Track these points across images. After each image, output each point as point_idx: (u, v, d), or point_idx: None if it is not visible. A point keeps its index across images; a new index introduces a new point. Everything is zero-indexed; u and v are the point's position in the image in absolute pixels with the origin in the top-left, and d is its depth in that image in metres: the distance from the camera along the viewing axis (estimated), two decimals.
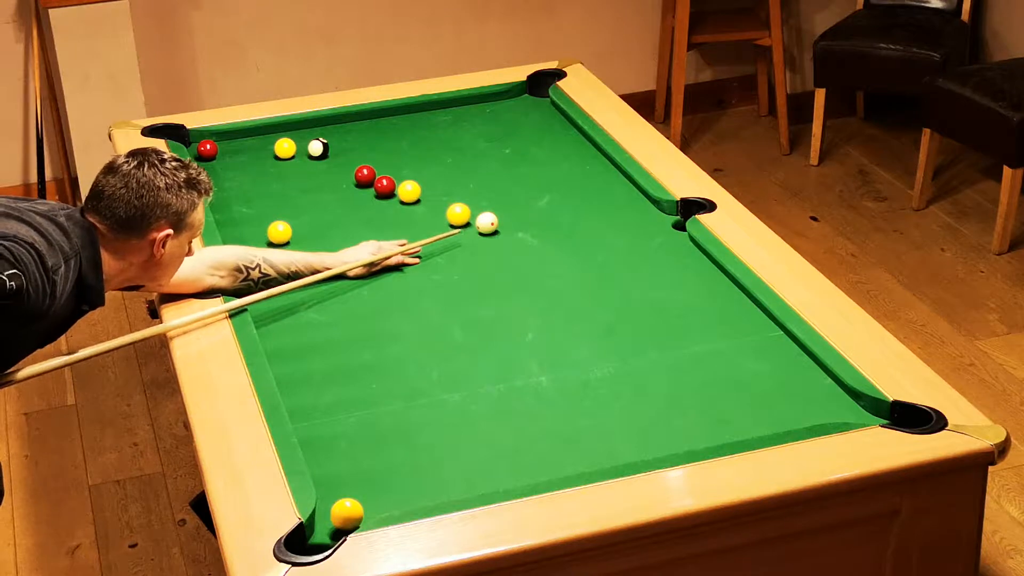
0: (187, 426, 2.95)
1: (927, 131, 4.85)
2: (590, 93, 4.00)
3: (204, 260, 3.02)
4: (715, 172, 5.13)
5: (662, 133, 3.88)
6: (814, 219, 4.95)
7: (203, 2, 5.02)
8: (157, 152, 2.76)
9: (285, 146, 3.78)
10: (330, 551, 2.27)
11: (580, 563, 2.32)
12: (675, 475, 2.43)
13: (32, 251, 2.50)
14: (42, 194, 4.87)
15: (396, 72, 5.15)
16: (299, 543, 2.30)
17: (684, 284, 3.12)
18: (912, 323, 4.29)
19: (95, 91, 4.75)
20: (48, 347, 2.76)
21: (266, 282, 3.05)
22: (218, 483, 2.45)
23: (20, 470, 3.76)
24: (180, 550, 3.46)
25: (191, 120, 3.90)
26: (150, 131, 3.77)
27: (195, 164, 2.80)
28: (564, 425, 2.65)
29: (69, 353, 2.77)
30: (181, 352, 2.86)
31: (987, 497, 2.69)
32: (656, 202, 3.43)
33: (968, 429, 2.49)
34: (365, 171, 3.61)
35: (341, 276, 3.15)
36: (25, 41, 4.85)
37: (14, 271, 2.44)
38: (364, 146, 3.82)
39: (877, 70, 5.06)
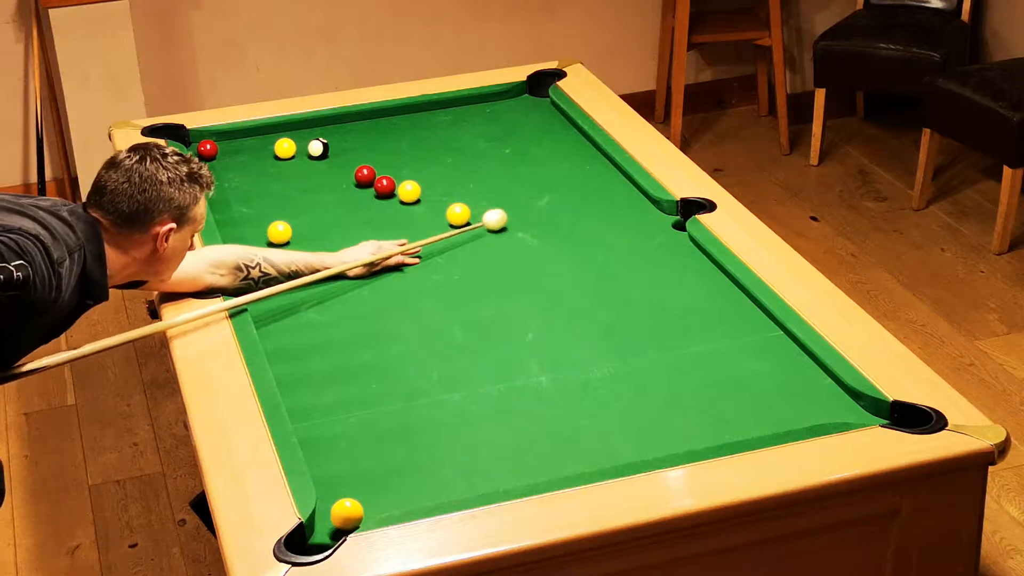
0: (187, 426, 2.95)
1: (927, 131, 4.85)
2: (590, 93, 4.00)
3: (204, 259, 3.02)
4: (715, 172, 5.13)
5: (662, 133, 3.88)
6: (814, 219, 4.95)
7: (203, 2, 5.03)
8: (158, 146, 2.76)
9: (285, 146, 3.78)
10: (330, 551, 2.27)
11: (580, 563, 2.32)
12: (675, 475, 2.43)
13: (38, 243, 2.51)
14: (42, 194, 4.86)
15: (396, 72, 5.15)
16: (299, 543, 2.30)
17: (684, 284, 3.12)
18: (912, 323, 4.29)
19: (95, 91, 4.75)
20: (48, 346, 2.76)
21: (266, 281, 3.05)
22: (218, 483, 2.45)
23: (20, 470, 3.76)
24: (180, 550, 3.46)
25: (191, 120, 3.90)
26: (150, 131, 3.77)
27: (196, 158, 2.81)
28: (564, 425, 2.65)
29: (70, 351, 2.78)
30: (181, 352, 2.86)
31: (987, 497, 2.69)
32: (656, 202, 3.43)
33: (968, 429, 2.49)
34: (365, 171, 3.61)
35: (341, 276, 3.15)
36: (25, 41, 4.85)
37: (21, 262, 2.45)
38: (364, 146, 3.82)
39: (877, 70, 5.06)
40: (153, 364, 4.20)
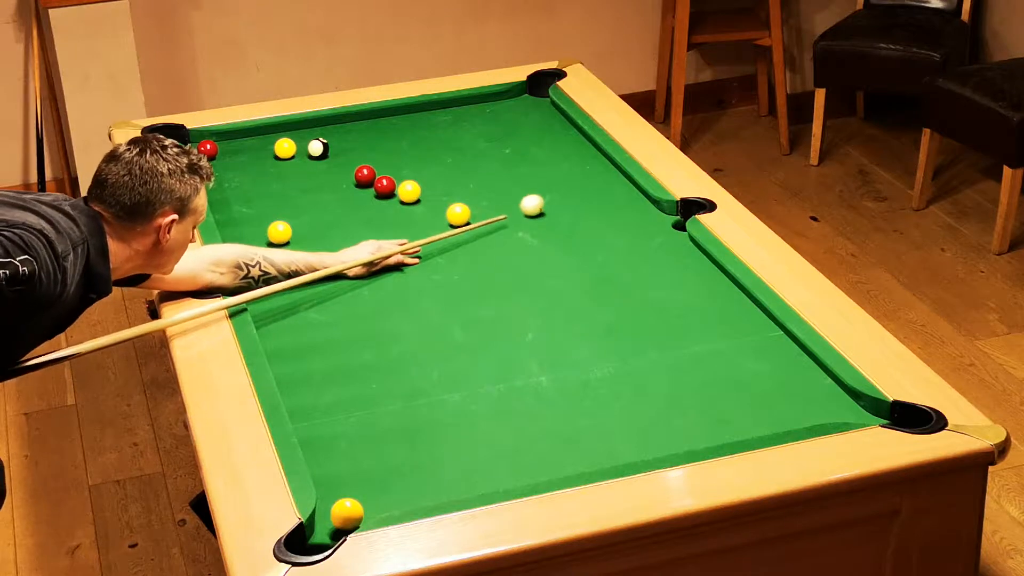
0: (187, 426, 2.95)
1: (927, 131, 4.85)
2: (590, 93, 4.00)
3: (204, 257, 3.03)
4: (715, 172, 5.13)
5: (662, 133, 3.88)
6: (814, 219, 4.95)
7: (203, 2, 5.03)
8: (158, 139, 2.77)
9: (285, 146, 3.78)
10: (330, 551, 2.27)
11: (580, 563, 2.32)
12: (675, 475, 2.43)
13: (42, 238, 2.51)
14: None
15: (396, 72, 5.15)
16: (299, 543, 2.30)
17: (684, 284, 3.12)
18: (912, 323, 4.29)
19: (95, 91, 4.75)
20: (49, 343, 2.76)
21: (266, 280, 3.05)
22: (218, 483, 2.45)
23: (20, 470, 3.76)
24: (180, 550, 3.46)
25: (191, 120, 3.90)
26: (150, 131, 3.76)
27: (195, 150, 2.81)
28: (564, 425, 2.65)
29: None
30: (181, 352, 2.86)
31: (987, 497, 2.69)
32: (656, 202, 3.43)
33: (968, 429, 2.49)
34: (365, 171, 3.61)
35: (341, 276, 3.15)
36: (25, 41, 4.85)
37: (26, 256, 2.45)
38: (364, 146, 3.82)
39: (877, 70, 5.06)
40: (153, 364, 4.20)
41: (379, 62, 5.26)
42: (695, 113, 5.67)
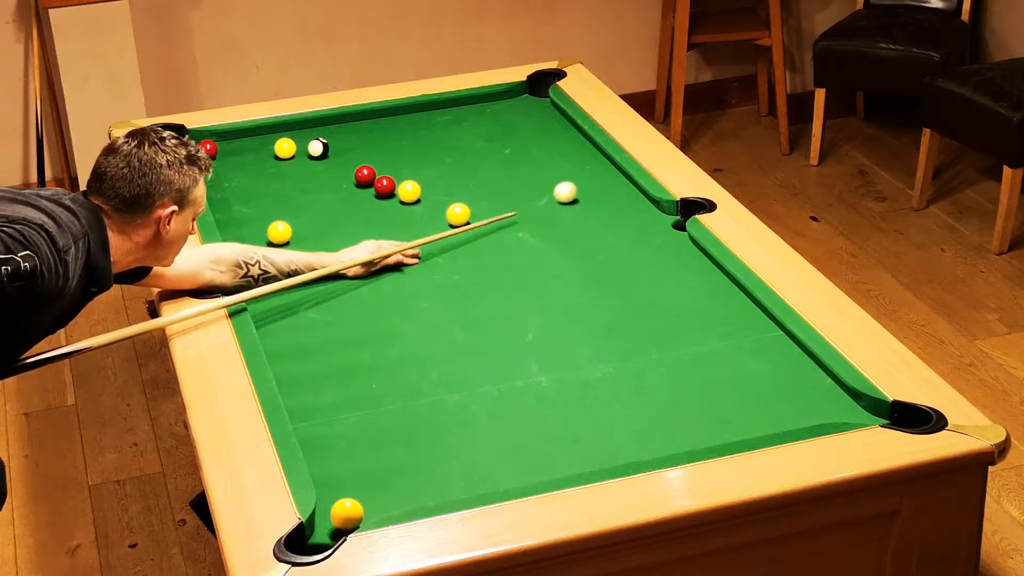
0: (187, 426, 2.95)
1: (927, 131, 4.85)
2: (590, 93, 4.00)
3: (204, 255, 3.03)
4: (715, 172, 5.13)
5: (662, 133, 3.88)
6: (814, 219, 4.95)
7: (203, 2, 5.03)
8: (156, 131, 2.77)
9: (285, 146, 3.78)
10: (330, 551, 2.27)
11: (580, 563, 2.32)
12: (675, 475, 2.43)
13: (43, 232, 2.51)
14: None
15: (396, 72, 5.15)
16: (299, 543, 2.30)
17: (684, 284, 3.12)
18: (912, 323, 4.29)
19: (95, 91, 4.75)
20: (48, 341, 2.76)
21: (265, 280, 3.05)
22: (218, 483, 2.45)
23: (20, 470, 3.76)
24: (180, 550, 3.46)
25: (191, 120, 3.90)
26: None
27: (193, 142, 2.81)
28: (564, 425, 2.65)
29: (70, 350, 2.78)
30: (181, 352, 2.86)
31: (987, 497, 2.69)
32: (656, 202, 3.43)
33: (968, 429, 2.49)
34: (365, 171, 3.61)
35: (341, 276, 3.15)
36: (25, 41, 4.85)
37: (27, 252, 2.45)
38: (364, 146, 3.82)
39: (877, 70, 5.06)
40: (153, 364, 4.20)
41: (379, 62, 5.26)
42: (695, 113, 5.67)
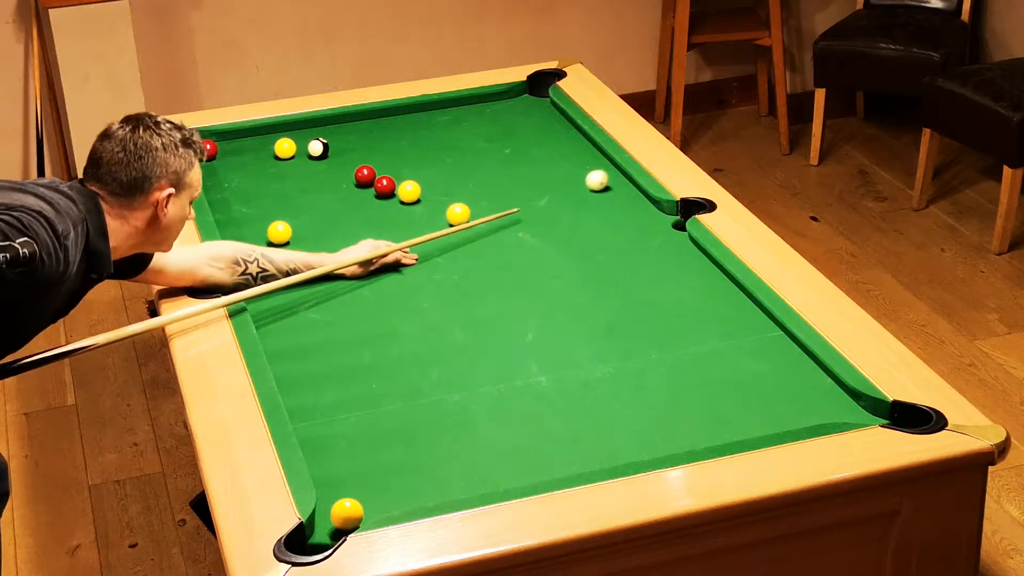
0: (187, 426, 2.95)
1: (927, 131, 4.85)
2: (590, 93, 4.00)
3: (201, 252, 3.03)
4: (715, 172, 5.13)
5: (662, 133, 3.88)
6: (814, 219, 4.95)
7: (203, 2, 5.02)
8: (150, 115, 2.78)
9: (285, 146, 3.78)
10: (330, 551, 2.27)
11: (580, 563, 2.32)
12: (675, 475, 2.43)
13: (41, 219, 2.52)
14: None
15: (396, 72, 5.15)
16: (299, 543, 2.30)
17: (684, 284, 3.12)
18: (912, 323, 4.29)
19: (95, 91, 4.75)
20: (48, 339, 2.76)
21: (264, 278, 3.05)
22: (218, 483, 2.45)
23: (20, 470, 3.76)
24: (180, 550, 3.46)
25: (191, 120, 3.87)
26: None
27: (187, 125, 2.82)
28: (564, 425, 2.65)
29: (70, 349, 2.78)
30: (181, 352, 2.86)
31: (987, 497, 2.69)
32: (656, 202, 3.43)
33: (968, 429, 2.49)
34: (365, 171, 3.61)
35: (340, 276, 3.15)
36: (25, 41, 4.85)
37: (26, 238, 2.46)
38: (364, 146, 3.82)
39: (877, 70, 5.06)
40: (153, 364, 4.20)
41: (379, 62, 5.26)
42: (695, 113, 5.67)
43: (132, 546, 3.49)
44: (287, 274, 3.07)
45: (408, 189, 3.52)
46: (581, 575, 2.34)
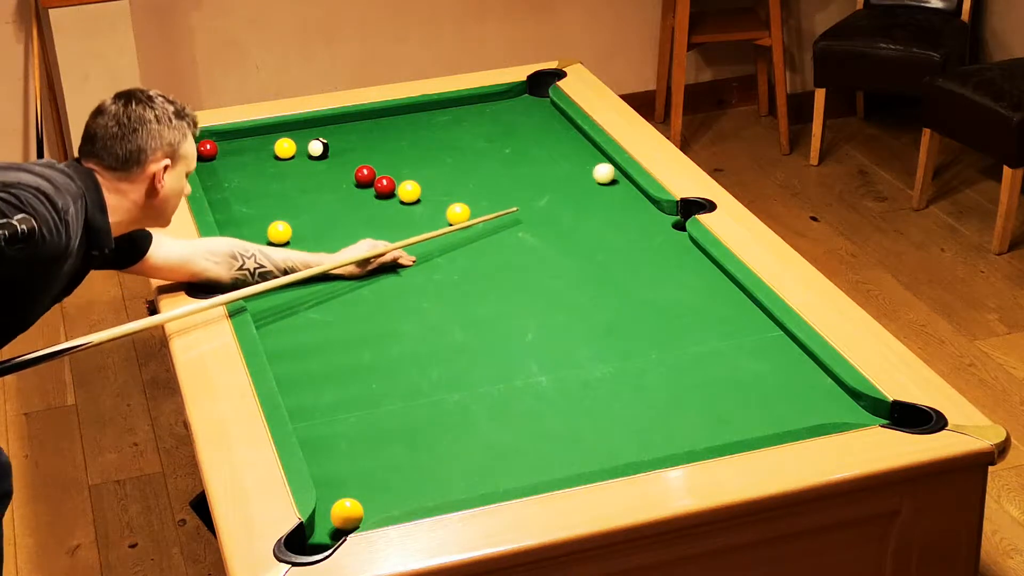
0: (187, 426, 2.95)
1: (927, 131, 4.85)
2: (590, 93, 4.00)
3: (198, 245, 3.04)
4: (715, 172, 5.13)
5: (662, 133, 3.88)
6: (814, 219, 4.95)
7: (203, 2, 5.03)
8: (141, 90, 2.80)
9: (285, 146, 3.78)
10: (330, 551, 2.27)
11: (580, 563, 2.32)
12: (675, 475, 2.43)
13: (40, 194, 2.53)
14: None
15: (396, 72, 5.15)
16: (299, 543, 2.30)
17: (684, 284, 3.12)
18: (912, 323, 4.29)
19: (95, 91, 4.70)
20: (47, 338, 2.76)
21: (262, 274, 3.05)
22: (218, 483, 2.45)
23: (20, 470, 3.76)
24: (180, 550, 3.46)
25: None
26: None
27: (178, 100, 2.83)
28: (564, 425, 2.65)
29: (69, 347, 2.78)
30: (181, 352, 2.86)
31: (987, 497, 2.69)
32: (656, 202, 3.43)
33: (968, 429, 2.49)
34: (365, 171, 3.61)
35: (340, 276, 3.14)
36: (25, 41, 4.85)
37: (23, 215, 2.46)
38: (364, 146, 3.82)
39: (877, 70, 5.06)
40: (153, 364, 4.20)
41: (379, 62, 5.26)
42: (695, 113, 5.67)
43: (132, 546, 3.49)
44: (285, 272, 3.07)
45: (408, 189, 3.52)
46: (581, 575, 2.34)
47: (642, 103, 5.27)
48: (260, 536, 2.29)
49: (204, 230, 3.26)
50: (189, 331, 2.91)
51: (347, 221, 3.43)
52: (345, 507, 2.33)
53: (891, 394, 2.61)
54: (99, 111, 2.75)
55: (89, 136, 2.74)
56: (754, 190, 5.10)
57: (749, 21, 5.45)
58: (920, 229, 4.86)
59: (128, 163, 2.72)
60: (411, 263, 3.22)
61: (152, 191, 2.75)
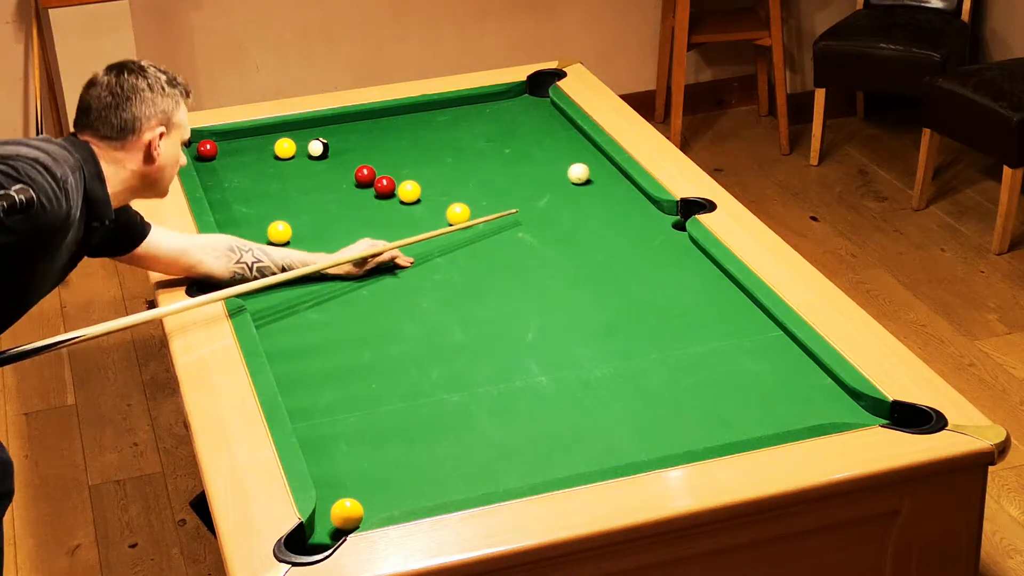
0: (187, 426, 2.95)
1: (927, 131, 4.85)
2: (590, 93, 4.00)
3: (196, 239, 3.05)
4: (715, 172, 5.13)
5: (662, 133, 3.88)
6: (814, 219, 4.96)
7: (203, 2, 5.03)
8: (134, 61, 2.81)
9: (285, 146, 3.78)
10: (330, 551, 2.27)
11: (580, 563, 2.32)
12: (675, 475, 2.43)
13: (38, 165, 2.54)
14: None
15: (396, 72, 5.15)
16: (299, 543, 2.30)
17: (684, 284, 3.12)
18: (912, 323, 4.29)
19: None
20: (46, 333, 2.76)
21: (260, 269, 3.04)
22: (218, 483, 2.45)
23: (20, 470, 3.76)
24: (180, 550, 3.46)
25: (191, 120, 3.88)
26: None
27: (169, 70, 2.85)
28: (564, 425, 2.65)
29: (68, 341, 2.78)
30: (181, 352, 2.86)
31: (987, 497, 2.69)
32: (656, 202, 3.43)
33: (968, 429, 2.49)
34: (365, 171, 3.61)
35: (337, 276, 3.14)
36: (25, 41, 4.85)
37: (21, 185, 2.47)
38: (364, 146, 3.82)
39: (877, 70, 5.06)
40: (153, 364, 4.20)
41: (379, 62, 5.26)
42: (695, 113, 5.67)
43: (132, 546, 3.49)
44: (283, 268, 3.07)
45: (408, 189, 3.52)
46: (581, 575, 2.34)
47: (642, 103, 5.28)
48: (260, 536, 2.29)
49: (204, 230, 3.26)
50: (189, 331, 2.91)
51: (347, 221, 3.43)
52: (345, 507, 2.33)
53: (891, 394, 2.61)
54: (92, 83, 2.77)
55: (83, 108, 2.75)
56: (754, 190, 5.10)
57: (749, 21, 5.45)
58: (920, 229, 4.86)
59: (123, 132, 2.73)
60: (409, 264, 3.22)
61: (149, 158, 2.76)
